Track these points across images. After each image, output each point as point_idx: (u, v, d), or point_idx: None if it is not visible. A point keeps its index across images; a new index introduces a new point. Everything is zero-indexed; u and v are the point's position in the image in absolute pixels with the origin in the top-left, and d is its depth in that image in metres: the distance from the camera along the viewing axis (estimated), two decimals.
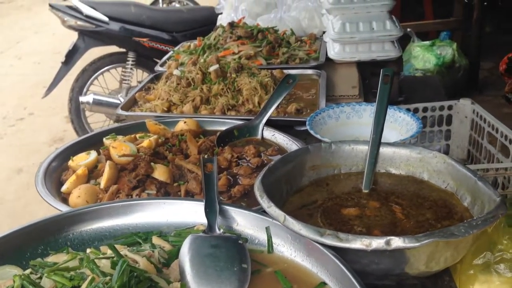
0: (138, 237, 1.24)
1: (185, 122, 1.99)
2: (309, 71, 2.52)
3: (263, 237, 1.24)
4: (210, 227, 1.23)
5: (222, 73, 2.28)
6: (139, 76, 5.63)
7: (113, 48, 5.53)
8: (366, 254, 1.14)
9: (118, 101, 5.32)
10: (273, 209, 1.24)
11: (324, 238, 1.14)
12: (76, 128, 5.56)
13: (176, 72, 2.31)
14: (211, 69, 2.27)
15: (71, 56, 5.32)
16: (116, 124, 2.05)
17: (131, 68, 5.42)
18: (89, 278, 0.98)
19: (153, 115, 2.12)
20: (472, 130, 2.34)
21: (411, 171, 1.55)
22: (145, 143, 1.76)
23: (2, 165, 5.51)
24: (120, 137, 1.84)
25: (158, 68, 2.73)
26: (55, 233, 1.24)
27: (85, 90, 5.44)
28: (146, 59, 5.44)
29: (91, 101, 5.10)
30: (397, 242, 1.10)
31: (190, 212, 1.31)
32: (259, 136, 1.97)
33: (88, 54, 5.53)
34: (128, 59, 5.37)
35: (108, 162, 1.60)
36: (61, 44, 8.07)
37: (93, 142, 1.88)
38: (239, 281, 1.10)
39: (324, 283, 1.11)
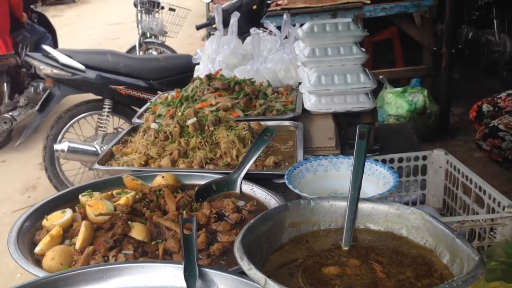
0: None
1: (163, 177, 1.98)
2: (286, 123, 2.55)
3: None
4: None
5: (200, 126, 2.29)
6: (115, 123, 5.61)
7: (89, 96, 5.53)
8: None
9: (94, 149, 5.28)
10: (253, 272, 1.23)
11: None
12: (50, 176, 5.48)
13: (153, 125, 2.32)
14: (189, 122, 2.28)
15: (46, 104, 5.29)
16: (92, 180, 2.02)
17: (107, 115, 5.41)
18: None
19: (131, 169, 2.11)
20: (446, 180, 2.38)
21: (390, 227, 1.56)
22: (122, 200, 1.74)
23: None
24: (96, 194, 1.82)
25: (135, 120, 2.73)
26: None
27: (60, 137, 5.39)
28: (123, 106, 5.44)
29: (65, 149, 5.04)
30: None
31: (169, 276, 1.29)
32: (237, 190, 1.97)
33: (64, 100, 5.52)
34: (105, 106, 5.36)
35: (83, 222, 1.57)
36: None
37: (69, 199, 1.85)
38: None
39: None
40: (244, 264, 1.26)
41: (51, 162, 5.46)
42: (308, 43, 2.73)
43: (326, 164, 2.05)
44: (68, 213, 1.69)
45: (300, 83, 3.06)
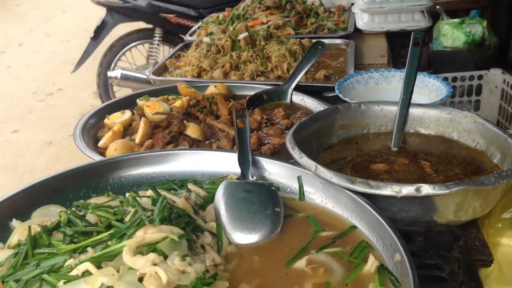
0: (174, 184, 1.29)
1: (215, 86, 2.03)
2: (338, 41, 2.53)
3: (294, 186, 1.28)
4: (243, 175, 1.27)
5: (251, 40, 2.30)
6: (166, 52, 5.68)
7: (141, 24, 5.59)
8: (395, 202, 1.17)
9: (145, 76, 5.38)
10: (304, 160, 1.28)
11: (355, 185, 1.17)
12: (104, 103, 5.64)
13: (206, 39, 2.35)
14: (241, 36, 2.30)
15: (100, 31, 5.39)
16: (149, 88, 2.10)
17: (157, 44, 5.47)
18: (132, 211, 1.03)
19: (184, 80, 2.16)
20: (502, 100, 2.33)
21: (441, 131, 1.56)
22: (178, 103, 1.81)
23: (33, 138, 5.66)
24: (153, 99, 1.89)
25: (187, 37, 2.77)
26: (96, 178, 1.29)
27: (112, 65, 5.52)
28: (173, 35, 5.48)
29: (119, 76, 5.17)
30: (427, 189, 1.12)
31: (223, 163, 1.35)
32: (288, 100, 2.00)
33: (116, 30, 5.61)
34: (155, 35, 5.42)
35: (142, 119, 1.65)
36: (88, 22, 8.16)
37: (127, 103, 1.93)
38: (272, 223, 1.14)
39: (355, 227, 1.14)
40: (296, 153, 1.31)
41: (105, 89, 5.63)
42: None
43: (377, 77, 2.04)
44: (127, 113, 1.78)
45: (352, 4, 3.00)
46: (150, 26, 5.53)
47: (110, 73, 5.27)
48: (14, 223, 1.14)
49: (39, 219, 1.14)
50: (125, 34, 5.54)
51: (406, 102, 1.58)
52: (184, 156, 1.36)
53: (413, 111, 1.59)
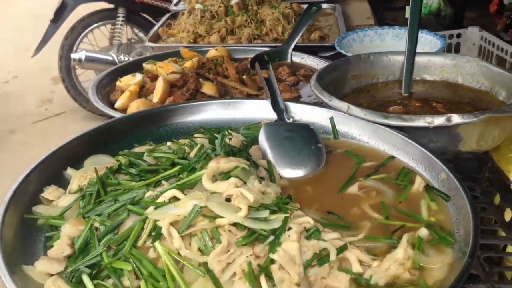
0: (212, 131, 1.33)
1: (216, 50, 2.07)
2: (324, 5, 2.61)
3: (327, 127, 1.35)
4: (280, 118, 1.34)
5: (243, 6, 2.35)
6: (129, 33, 5.60)
7: (102, 5, 5.47)
8: (426, 133, 1.27)
9: (111, 58, 5.30)
10: (335, 101, 1.36)
11: (388, 120, 1.26)
12: (67, 87, 5.52)
13: (198, 5, 2.37)
14: (233, 2, 2.34)
15: (60, 13, 5.24)
16: (153, 53, 2.11)
17: (121, 25, 5.38)
18: (198, 146, 1.08)
19: (183, 45, 2.19)
20: (479, 56, 2.48)
21: (445, 76, 1.68)
22: (188, 64, 1.84)
23: None
24: (159, 63, 1.91)
25: (172, 7, 2.77)
26: (134, 129, 1.32)
27: (75, 48, 5.39)
28: (137, 15, 5.41)
29: (83, 57, 5.06)
30: (456, 118, 1.22)
31: (254, 110, 1.41)
32: (288, 60, 2.07)
33: (76, 12, 5.47)
34: (118, 15, 5.32)
35: (160, 78, 1.67)
36: (37, 7, 7.88)
37: (133, 68, 1.94)
38: (317, 158, 1.21)
39: (393, 157, 1.23)
40: (325, 96, 1.39)
41: (67, 72, 5.49)
42: None
43: (371, 35, 2.14)
44: (138, 76, 1.80)
45: None
46: (112, 6, 5.43)
47: (73, 55, 5.15)
48: (69, 171, 1.16)
49: (91, 167, 1.16)
50: (87, 15, 5.40)
51: (412, 50, 1.67)
52: (217, 106, 1.41)
53: (418, 59, 1.69)
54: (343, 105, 1.33)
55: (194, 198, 0.90)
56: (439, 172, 1.12)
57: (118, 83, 1.78)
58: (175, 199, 0.93)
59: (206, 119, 1.39)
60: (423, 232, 0.98)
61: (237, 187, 0.93)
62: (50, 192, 1.07)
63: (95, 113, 5.37)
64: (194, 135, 1.25)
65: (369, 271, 0.91)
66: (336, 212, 1.05)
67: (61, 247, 0.91)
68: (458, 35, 2.50)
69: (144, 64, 1.93)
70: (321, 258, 0.90)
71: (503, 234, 1.06)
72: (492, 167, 1.21)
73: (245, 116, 1.40)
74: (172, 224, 0.90)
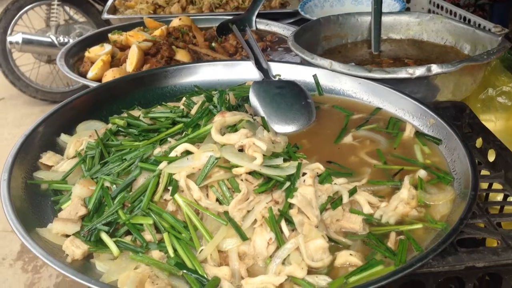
0: (198, 93, 1.32)
1: (180, 19, 2.04)
2: None
3: (310, 84, 1.38)
4: (266, 77, 1.35)
5: None
6: (65, 14, 5.38)
7: None
8: (407, 85, 1.33)
9: (49, 39, 5.08)
10: (317, 59, 1.39)
11: (372, 73, 1.31)
12: (5, 72, 5.24)
13: None
14: None
15: None
16: (117, 24, 2.05)
17: (57, 5, 5.16)
18: (200, 102, 1.08)
19: (146, 16, 2.14)
20: (430, 4, 2.58)
21: (411, 35, 1.75)
22: (157, 32, 1.81)
23: None
24: (127, 32, 1.86)
25: None
26: (120, 95, 1.29)
27: (9, 31, 5.12)
28: None
29: (20, 40, 4.83)
30: (436, 68, 1.29)
31: (239, 71, 1.42)
32: (253, 27, 2.07)
33: None
34: None
35: (134, 46, 1.64)
36: None
37: (98, 39, 1.88)
38: (308, 112, 1.24)
39: (379, 108, 1.28)
40: (307, 55, 1.42)
41: (4, 56, 5.21)
42: None
43: (331, 0, 2.19)
44: (108, 46, 1.75)
45: None
46: None
47: (10, 38, 4.91)
48: (63, 137, 1.13)
49: (84, 133, 1.13)
50: None
51: (378, 10, 1.73)
52: (200, 68, 1.40)
53: (384, 19, 1.74)
54: (325, 62, 1.37)
55: (208, 150, 0.91)
56: (427, 118, 1.18)
57: (87, 53, 1.72)
58: (187, 153, 0.93)
59: (191, 81, 1.38)
60: (422, 173, 1.03)
61: (248, 137, 0.94)
62: (48, 158, 1.04)
63: (36, 98, 5.17)
64: (185, 97, 1.24)
65: (379, 211, 0.95)
66: (336, 161, 1.09)
67: (74, 208, 0.89)
68: (408, 0, 2.59)
69: (109, 35, 1.87)
70: (334, 201, 0.93)
71: (488, 173, 1.14)
72: (471, 113, 1.29)
73: (229, 77, 1.41)
74: (188, 177, 0.90)
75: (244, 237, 0.84)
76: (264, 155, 0.92)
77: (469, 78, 1.39)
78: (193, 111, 1.08)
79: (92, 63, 1.68)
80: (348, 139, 1.17)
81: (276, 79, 1.36)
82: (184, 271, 0.80)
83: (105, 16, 2.19)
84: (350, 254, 0.85)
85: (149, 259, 0.82)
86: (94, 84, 1.50)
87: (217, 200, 0.89)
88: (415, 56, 1.65)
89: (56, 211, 0.94)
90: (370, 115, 1.26)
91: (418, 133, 1.17)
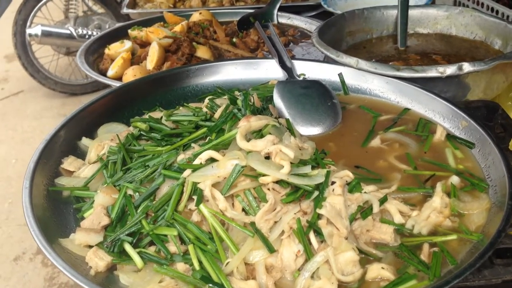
0: (220, 93, 1.29)
1: (200, 13, 2.01)
2: None
3: (336, 83, 1.34)
4: (291, 76, 1.31)
5: None
6: (83, 5, 5.37)
7: None
8: (436, 84, 1.28)
9: (68, 31, 5.09)
10: (343, 57, 1.34)
11: (400, 72, 1.26)
12: (24, 64, 5.27)
13: None
14: None
15: None
16: (136, 19, 2.03)
17: None
18: (224, 106, 1.05)
19: (166, 10, 2.11)
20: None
21: (439, 29, 1.69)
22: (177, 28, 1.78)
23: None
24: (147, 28, 1.84)
25: None
26: (141, 96, 1.27)
27: (28, 23, 5.14)
28: None
29: (39, 32, 4.83)
30: (467, 66, 1.24)
31: (262, 70, 1.38)
32: (275, 21, 2.02)
33: None
34: None
35: (155, 43, 1.61)
36: None
37: (117, 35, 1.86)
38: (334, 113, 1.20)
39: (408, 109, 1.23)
40: (331, 52, 1.37)
41: (23, 49, 5.24)
42: None
43: None
44: (128, 42, 1.72)
45: None
46: None
47: (29, 31, 4.92)
48: (84, 141, 1.11)
49: (106, 136, 1.11)
50: None
51: (405, 4, 1.67)
52: (223, 67, 1.37)
53: (411, 12, 1.68)
54: (351, 60, 1.32)
55: (233, 158, 0.88)
56: (459, 120, 1.13)
57: (107, 50, 1.70)
58: (212, 160, 0.90)
59: (213, 80, 1.35)
60: (455, 179, 0.99)
61: (274, 144, 0.91)
62: (70, 163, 1.02)
63: (55, 90, 5.19)
64: (207, 97, 1.21)
65: (410, 221, 0.91)
66: (364, 166, 1.05)
67: (96, 217, 0.87)
68: None
69: (129, 31, 1.85)
70: (364, 210, 0.89)
71: None
72: (503, 113, 1.24)
73: (252, 76, 1.37)
74: (213, 186, 0.87)
75: (271, 249, 0.82)
76: (291, 163, 0.89)
77: (501, 76, 1.34)
78: (216, 115, 1.05)
79: (112, 60, 1.66)
80: (376, 142, 1.13)
81: (301, 78, 1.32)
82: (210, 284, 0.78)
83: (125, 10, 2.17)
84: (382, 268, 0.82)
85: (174, 272, 0.80)
86: (114, 83, 1.48)
87: (243, 210, 0.87)
88: (443, 51, 1.60)
89: (78, 219, 0.92)
90: (398, 116, 1.22)
91: (450, 136, 1.12)
